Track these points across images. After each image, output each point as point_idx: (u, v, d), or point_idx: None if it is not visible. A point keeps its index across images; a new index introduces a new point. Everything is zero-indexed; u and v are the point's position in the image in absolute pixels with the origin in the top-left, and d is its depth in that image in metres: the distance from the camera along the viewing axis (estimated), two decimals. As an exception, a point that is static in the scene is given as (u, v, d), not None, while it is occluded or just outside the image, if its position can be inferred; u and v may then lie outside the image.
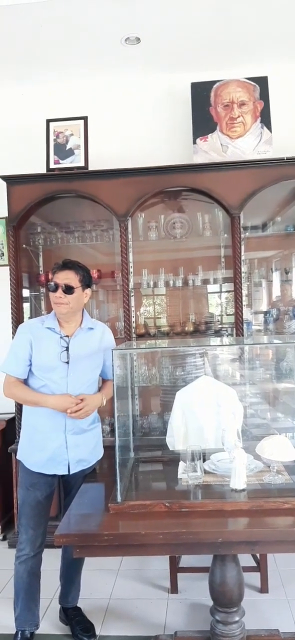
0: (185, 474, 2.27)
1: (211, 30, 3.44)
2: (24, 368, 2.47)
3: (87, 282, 2.54)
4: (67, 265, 2.51)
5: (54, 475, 2.51)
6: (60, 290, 2.46)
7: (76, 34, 3.42)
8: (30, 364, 2.47)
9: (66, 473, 2.49)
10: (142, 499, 2.08)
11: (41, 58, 3.71)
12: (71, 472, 2.49)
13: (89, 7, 3.15)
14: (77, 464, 2.50)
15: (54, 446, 2.46)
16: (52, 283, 2.48)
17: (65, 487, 2.66)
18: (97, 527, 1.90)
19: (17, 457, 2.57)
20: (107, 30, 3.40)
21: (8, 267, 3.79)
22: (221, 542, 1.85)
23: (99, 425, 2.68)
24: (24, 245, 3.90)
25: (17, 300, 3.72)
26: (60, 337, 2.49)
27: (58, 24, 3.31)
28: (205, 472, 2.30)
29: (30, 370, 2.49)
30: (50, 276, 2.61)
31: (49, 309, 2.79)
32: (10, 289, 3.70)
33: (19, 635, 2.50)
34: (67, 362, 2.47)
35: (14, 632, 2.52)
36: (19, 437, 3.12)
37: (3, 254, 4.18)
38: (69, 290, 2.46)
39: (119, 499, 2.01)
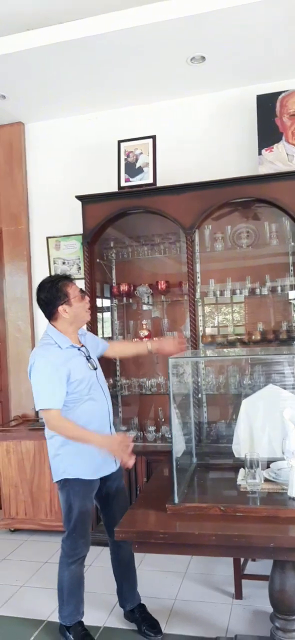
0: (244, 481, 2.33)
1: (275, 43, 3.47)
2: (63, 398, 2.49)
3: None
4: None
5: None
6: (86, 297, 2.70)
7: (144, 59, 3.61)
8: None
9: (115, 469, 2.66)
10: (199, 502, 2.17)
11: (112, 83, 3.94)
12: (117, 466, 2.67)
13: (155, 32, 3.31)
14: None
15: None
16: (80, 290, 2.64)
17: (107, 490, 2.71)
18: (153, 526, 2.02)
19: (70, 476, 2.55)
20: (172, 51, 3.54)
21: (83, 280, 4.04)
22: (273, 547, 1.90)
23: None
24: (98, 260, 4.13)
25: (91, 311, 3.96)
26: (78, 350, 2.62)
27: (127, 51, 3.50)
28: (266, 480, 2.34)
29: (67, 394, 2.51)
30: (70, 289, 2.61)
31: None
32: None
33: (78, 626, 2.65)
34: (96, 369, 2.65)
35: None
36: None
37: (80, 267, 4.46)
38: None
39: (176, 500, 2.11)
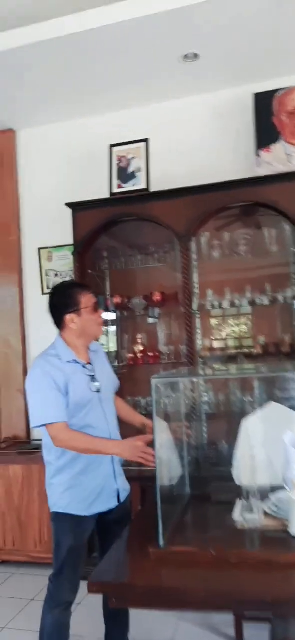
0: (241, 517, 2.06)
1: (272, 40, 3.27)
2: (66, 410, 2.22)
3: None
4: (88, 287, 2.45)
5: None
6: (100, 310, 2.40)
7: (134, 58, 3.41)
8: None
9: (116, 504, 2.38)
10: (188, 545, 1.90)
11: (102, 85, 3.74)
12: (121, 501, 2.39)
13: (145, 27, 3.10)
14: (123, 491, 2.41)
15: (104, 480, 2.35)
16: (94, 302, 2.36)
17: (107, 524, 2.42)
18: (132, 577, 1.75)
19: (60, 510, 2.32)
20: (164, 49, 3.34)
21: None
22: (271, 601, 1.63)
23: None
24: (89, 271, 3.90)
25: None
26: (83, 367, 2.35)
27: (115, 52, 3.32)
28: (265, 514, 2.08)
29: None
30: (84, 298, 2.35)
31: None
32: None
33: None
34: (98, 391, 2.35)
35: None
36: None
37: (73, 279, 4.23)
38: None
39: (161, 543, 1.85)
